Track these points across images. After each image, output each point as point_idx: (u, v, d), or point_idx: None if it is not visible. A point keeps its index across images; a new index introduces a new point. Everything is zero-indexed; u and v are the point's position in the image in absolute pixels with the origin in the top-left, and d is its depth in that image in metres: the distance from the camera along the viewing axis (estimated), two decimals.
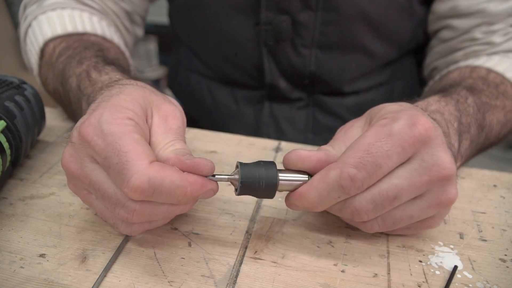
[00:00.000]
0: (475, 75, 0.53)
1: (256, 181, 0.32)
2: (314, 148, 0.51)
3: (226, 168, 0.46)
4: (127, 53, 0.58)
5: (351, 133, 0.36)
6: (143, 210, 0.30)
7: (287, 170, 0.34)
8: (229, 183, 0.36)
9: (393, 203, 0.32)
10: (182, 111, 0.37)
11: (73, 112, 0.46)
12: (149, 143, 0.34)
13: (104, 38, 0.55)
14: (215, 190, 0.32)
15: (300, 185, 0.33)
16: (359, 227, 0.35)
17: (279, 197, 0.42)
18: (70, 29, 0.53)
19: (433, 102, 0.40)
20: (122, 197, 0.30)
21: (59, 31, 0.53)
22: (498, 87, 0.51)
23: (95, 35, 0.54)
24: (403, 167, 0.31)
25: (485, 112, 0.46)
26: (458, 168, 0.42)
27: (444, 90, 0.46)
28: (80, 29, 0.54)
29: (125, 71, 0.45)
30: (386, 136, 0.31)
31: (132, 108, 0.33)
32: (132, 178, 0.28)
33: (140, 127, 0.32)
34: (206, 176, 0.31)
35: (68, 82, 0.45)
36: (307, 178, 0.33)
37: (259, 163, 0.33)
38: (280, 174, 0.33)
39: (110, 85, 0.37)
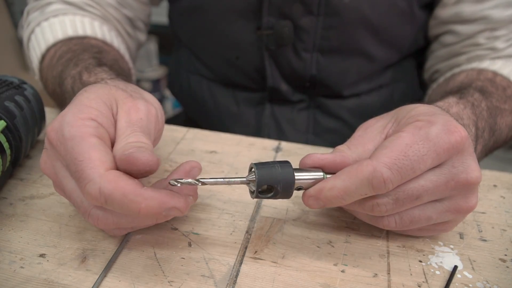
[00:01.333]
0: (483, 77, 0.53)
1: (273, 182, 0.32)
2: (315, 148, 0.51)
3: (226, 168, 0.46)
4: (126, 56, 0.59)
5: (370, 133, 0.36)
6: (107, 218, 0.31)
7: (302, 169, 0.34)
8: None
9: (414, 202, 0.32)
10: (151, 104, 0.36)
11: None
12: (115, 139, 0.33)
13: (104, 42, 0.56)
14: (182, 209, 0.30)
15: (316, 183, 0.33)
16: (374, 223, 0.35)
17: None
18: (70, 33, 0.54)
19: (453, 104, 0.40)
20: (88, 205, 0.31)
21: (60, 36, 0.54)
22: (506, 90, 0.52)
23: (96, 39, 0.55)
24: (433, 171, 0.32)
25: (496, 116, 0.47)
26: None
27: (458, 92, 0.46)
28: (80, 32, 0.55)
29: (120, 73, 0.46)
30: (423, 140, 0.31)
31: (95, 106, 0.33)
32: (86, 186, 0.29)
33: (102, 127, 0.32)
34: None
35: (64, 84, 0.46)
36: (322, 175, 0.33)
37: (273, 164, 0.32)
38: (296, 174, 0.33)
39: (86, 86, 0.37)
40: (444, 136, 0.31)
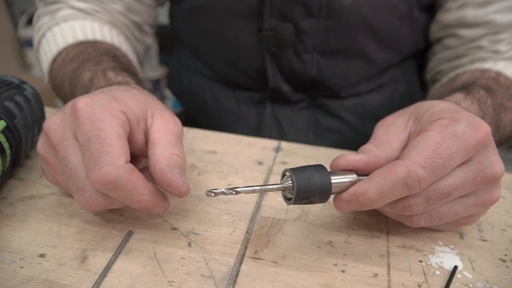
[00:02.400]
0: (487, 76, 0.54)
1: (311, 190, 0.31)
2: (315, 148, 0.51)
3: (226, 168, 0.46)
4: (134, 61, 0.60)
5: (393, 130, 0.36)
6: (102, 201, 0.33)
7: (336, 172, 0.33)
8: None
9: (444, 200, 0.32)
10: (180, 125, 0.39)
11: None
12: (148, 140, 0.36)
13: (113, 46, 0.57)
14: (167, 209, 0.34)
15: (350, 186, 0.33)
16: (403, 221, 0.35)
17: (279, 197, 0.42)
18: (80, 37, 0.56)
19: (461, 100, 0.41)
20: (88, 185, 0.32)
21: (71, 40, 0.56)
22: (509, 89, 0.52)
23: (105, 43, 0.57)
24: (460, 167, 0.32)
25: (501, 113, 0.47)
26: None
27: (464, 89, 0.46)
28: (90, 37, 0.56)
29: (138, 80, 0.47)
30: (451, 138, 0.31)
31: (130, 104, 0.35)
32: (104, 168, 0.30)
33: (128, 125, 0.34)
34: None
35: (81, 76, 0.47)
36: (356, 178, 0.33)
37: (307, 168, 0.32)
38: (332, 178, 0.32)
39: (123, 83, 0.39)
40: (471, 133, 0.31)
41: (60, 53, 0.56)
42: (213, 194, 0.32)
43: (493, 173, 0.32)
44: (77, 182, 0.32)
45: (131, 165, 0.32)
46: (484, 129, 0.32)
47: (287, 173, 0.32)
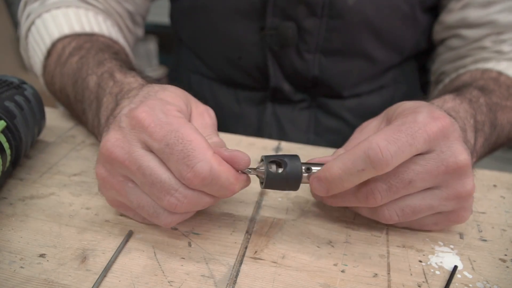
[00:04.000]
0: (486, 76, 0.53)
1: (281, 173, 0.33)
2: (315, 148, 0.51)
3: None
4: (131, 55, 0.58)
5: (366, 134, 0.37)
6: (194, 197, 0.31)
7: (311, 163, 0.35)
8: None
9: (408, 188, 0.32)
10: (214, 113, 0.39)
11: (83, 110, 0.46)
12: None
13: (111, 40, 0.55)
14: (247, 186, 0.34)
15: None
16: (376, 217, 0.35)
17: (279, 197, 0.42)
18: (77, 29, 0.53)
19: (449, 100, 0.41)
20: (175, 183, 0.31)
21: (66, 30, 0.53)
22: (510, 88, 0.52)
23: (103, 36, 0.54)
24: (422, 156, 0.32)
25: (496, 112, 0.47)
26: (473, 164, 0.42)
27: (457, 90, 0.46)
28: (87, 29, 0.54)
29: (144, 76, 0.46)
30: (412, 122, 0.32)
31: (178, 104, 0.35)
32: (198, 165, 0.30)
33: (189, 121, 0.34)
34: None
35: (85, 81, 0.45)
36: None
37: (283, 156, 0.34)
38: (304, 166, 0.34)
39: (148, 84, 0.38)
40: (431, 121, 0.32)
41: (55, 45, 0.53)
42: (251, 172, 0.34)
43: (456, 162, 0.32)
44: (163, 184, 0.31)
45: (218, 156, 0.31)
46: (444, 119, 0.32)
47: (263, 159, 0.34)
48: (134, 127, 0.32)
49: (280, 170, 0.33)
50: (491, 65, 0.55)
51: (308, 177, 0.34)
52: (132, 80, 0.41)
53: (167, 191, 0.31)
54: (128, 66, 0.47)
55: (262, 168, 0.33)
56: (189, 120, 0.36)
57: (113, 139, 0.32)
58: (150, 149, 0.32)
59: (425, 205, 0.34)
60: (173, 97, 0.35)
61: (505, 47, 0.56)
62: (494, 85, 0.51)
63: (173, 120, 0.31)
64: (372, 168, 0.30)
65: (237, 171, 0.33)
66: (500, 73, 0.54)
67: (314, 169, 0.34)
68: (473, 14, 0.56)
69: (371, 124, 0.38)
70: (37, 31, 0.55)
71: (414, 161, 0.32)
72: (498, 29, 0.55)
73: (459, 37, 0.58)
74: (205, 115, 0.37)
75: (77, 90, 0.47)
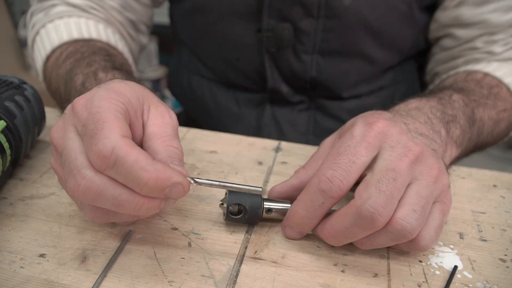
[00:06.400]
0: (470, 78, 0.54)
1: (240, 217, 0.36)
2: (315, 148, 0.51)
3: (226, 168, 0.46)
4: (130, 60, 0.59)
5: (322, 150, 0.39)
6: (95, 181, 0.28)
7: (272, 200, 0.38)
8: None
9: (395, 184, 0.31)
10: (175, 116, 0.37)
11: None
12: (144, 134, 0.34)
13: (109, 45, 0.56)
14: (185, 187, 0.30)
15: (284, 211, 0.37)
16: (405, 238, 0.32)
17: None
18: (76, 35, 0.55)
19: (413, 101, 0.42)
20: (80, 163, 0.29)
21: (66, 37, 0.55)
22: (492, 88, 0.52)
23: (101, 42, 0.56)
24: (379, 157, 0.33)
25: (474, 108, 0.47)
26: (457, 156, 0.43)
27: (431, 93, 0.47)
28: (86, 35, 0.56)
29: (131, 76, 0.46)
30: (350, 138, 0.33)
31: (128, 95, 0.33)
32: (100, 142, 0.28)
33: (128, 115, 0.32)
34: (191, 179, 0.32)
35: (73, 80, 0.46)
36: (290, 205, 0.37)
37: (245, 198, 0.36)
38: (265, 203, 0.37)
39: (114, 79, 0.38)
40: (367, 129, 0.33)
41: (54, 51, 0.55)
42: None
43: (414, 153, 0.33)
44: (69, 164, 0.29)
45: (130, 140, 0.29)
46: (378, 121, 0.34)
47: (226, 193, 0.36)
48: (71, 112, 0.32)
49: (240, 216, 0.36)
50: (480, 66, 0.55)
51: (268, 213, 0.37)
52: (110, 78, 0.42)
53: (70, 171, 0.29)
54: (118, 67, 0.47)
55: (224, 206, 0.36)
56: (146, 118, 0.34)
57: (55, 126, 0.33)
58: (80, 134, 0.31)
59: (425, 194, 0.32)
60: (126, 89, 0.33)
61: (496, 48, 0.56)
62: (474, 86, 0.51)
63: (105, 104, 0.30)
64: (330, 198, 0.32)
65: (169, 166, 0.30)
66: (486, 75, 0.54)
67: (276, 208, 0.37)
68: (467, 12, 0.55)
69: (327, 140, 0.41)
70: (41, 40, 0.57)
71: (378, 160, 0.33)
72: (490, 29, 0.55)
73: (452, 37, 0.58)
74: (165, 115, 0.35)
75: (66, 89, 0.48)
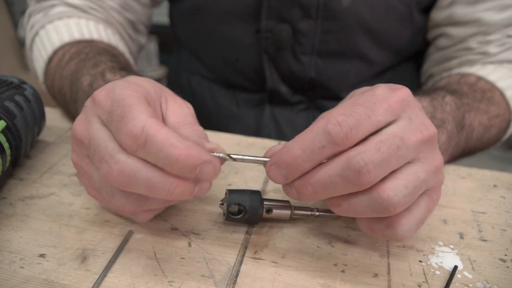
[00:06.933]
0: (463, 81, 0.53)
1: (240, 217, 0.36)
2: None
3: (226, 168, 0.46)
4: (131, 61, 0.59)
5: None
6: (127, 165, 0.28)
7: (272, 199, 0.37)
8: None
9: (397, 153, 0.28)
10: (192, 107, 0.38)
11: (76, 110, 0.47)
12: (166, 124, 0.34)
13: (110, 45, 0.56)
14: (216, 167, 0.29)
15: (284, 212, 0.37)
16: (386, 211, 0.29)
17: (279, 197, 0.42)
18: (77, 36, 0.55)
19: None
20: (112, 149, 0.29)
21: (67, 38, 0.55)
22: (485, 93, 0.51)
23: (102, 42, 0.56)
24: (394, 124, 0.30)
25: (465, 112, 0.46)
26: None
27: (424, 92, 0.46)
28: (87, 36, 0.55)
29: (137, 75, 0.46)
30: (371, 95, 0.30)
31: (147, 87, 0.33)
32: (129, 124, 0.28)
33: (148, 102, 0.32)
34: None
35: (79, 81, 0.46)
36: (289, 205, 0.37)
37: (245, 191, 0.36)
38: (265, 203, 0.37)
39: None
40: (391, 92, 0.30)
41: (56, 53, 0.55)
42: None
43: (427, 129, 0.30)
44: (99, 152, 0.29)
45: (158, 119, 0.29)
46: (403, 89, 0.31)
47: (226, 193, 0.36)
48: (93, 104, 0.32)
49: (240, 216, 0.36)
50: (474, 69, 0.55)
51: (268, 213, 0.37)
52: (118, 78, 0.42)
53: (102, 158, 0.29)
54: (124, 67, 0.48)
55: (224, 206, 0.36)
56: (165, 109, 0.35)
57: (77, 120, 0.33)
58: (105, 124, 0.31)
59: (422, 177, 0.29)
60: (144, 81, 0.34)
61: (491, 49, 0.55)
62: (468, 90, 0.50)
63: (127, 92, 0.31)
64: (333, 143, 0.28)
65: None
66: (479, 78, 0.53)
67: (276, 211, 0.37)
68: (460, 11, 0.55)
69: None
70: (41, 41, 0.57)
71: (390, 126, 0.29)
72: (484, 28, 0.55)
73: (446, 36, 0.58)
74: (183, 106, 0.36)
75: (72, 90, 0.48)
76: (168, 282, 0.32)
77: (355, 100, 0.30)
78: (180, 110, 0.35)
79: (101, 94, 0.32)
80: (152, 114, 0.29)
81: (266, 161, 0.32)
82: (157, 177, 0.29)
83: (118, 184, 0.29)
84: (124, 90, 0.31)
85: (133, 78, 0.34)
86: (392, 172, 0.29)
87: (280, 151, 0.30)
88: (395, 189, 0.28)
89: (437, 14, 0.58)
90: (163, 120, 0.35)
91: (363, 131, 0.29)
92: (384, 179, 0.29)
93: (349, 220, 0.39)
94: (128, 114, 0.29)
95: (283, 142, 0.51)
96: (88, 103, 0.33)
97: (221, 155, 0.32)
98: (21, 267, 0.33)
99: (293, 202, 0.39)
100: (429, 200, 0.31)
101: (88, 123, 0.32)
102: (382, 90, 0.30)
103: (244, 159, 0.33)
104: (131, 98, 0.30)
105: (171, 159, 0.28)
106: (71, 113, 0.52)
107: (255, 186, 0.43)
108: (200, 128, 0.34)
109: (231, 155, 0.33)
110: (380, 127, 0.29)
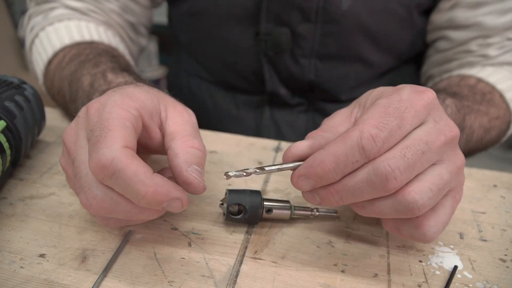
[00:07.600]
0: (463, 83, 0.53)
1: (240, 218, 0.36)
2: None
3: (225, 168, 0.46)
4: (131, 62, 0.59)
5: (339, 117, 0.36)
6: (104, 197, 0.29)
7: (272, 199, 0.38)
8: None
9: (422, 158, 0.29)
10: (194, 114, 0.38)
11: (75, 109, 0.46)
12: (165, 134, 0.34)
13: (110, 47, 0.56)
14: (184, 202, 0.30)
15: (284, 212, 0.37)
16: (410, 210, 0.29)
17: (279, 197, 0.42)
18: (77, 38, 0.55)
19: None
20: (91, 180, 0.29)
21: (67, 41, 0.55)
22: (485, 95, 0.51)
23: (103, 44, 0.56)
24: (419, 128, 0.30)
25: (466, 114, 0.46)
26: None
27: None
28: (87, 38, 0.55)
29: (140, 79, 0.46)
30: (398, 101, 0.30)
31: (143, 99, 0.33)
32: (101, 151, 0.28)
33: (140, 121, 0.32)
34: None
35: (80, 80, 0.46)
36: (289, 205, 0.37)
37: (245, 191, 0.37)
38: (265, 203, 0.37)
39: (128, 82, 0.38)
40: (417, 96, 0.30)
41: (56, 54, 0.55)
42: (225, 177, 0.33)
43: (451, 130, 0.31)
44: (80, 179, 0.30)
45: (131, 151, 0.29)
46: (429, 92, 0.31)
47: (226, 193, 0.37)
48: (85, 115, 0.32)
49: (240, 216, 0.36)
50: (474, 71, 0.55)
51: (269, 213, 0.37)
52: (121, 80, 0.42)
53: (81, 188, 0.30)
54: (125, 68, 0.48)
55: (224, 206, 0.37)
56: (165, 118, 0.35)
57: (68, 127, 0.33)
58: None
59: (445, 179, 0.30)
60: (141, 93, 0.34)
61: (491, 51, 0.55)
62: (468, 92, 0.50)
63: (116, 111, 0.30)
64: (366, 158, 0.29)
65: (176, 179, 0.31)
66: (479, 80, 0.53)
67: (276, 211, 0.37)
68: (461, 14, 0.55)
69: (342, 111, 0.37)
70: (41, 43, 0.57)
71: (415, 132, 0.30)
72: (484, 32, 0.55)
73: (446, 39, 0.58)
74: (184, 113, 0.36)
75: (72, 90, 0.48)
76: (168, 282, 0.32)
77: (385, 108, 0.30)
78: (180, 119, 0.35)
79: (93, 107, 0.32)
80: (129, 143, 0.29)
81: (296, 166, 0.32)
82: (136, 208, 0.30)
83: (98, 214, 0.31)
84: (114, 108, 0.31)
85: (130, 90, 0.34)
86: (417, 175, 0.29)
87: (311, 163, 0.30)
88: (420, 191, 0.29)
89: (438, 17, 0.58)
90: (163, 129, 0.35)
91: (394, 142, 0.29)
92: (409, 181, 0.29)
93: (349, 220, 0.39)
94: (103, 140, 0.28)
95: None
96: (81, 113, 0.33)
97: (235, 172, 0.32)
98: (21, 267, 0.33)
99: (293, 202, 0.39)
100: (453, 200, 0.32)
101: (77, 136, 0.32)
102: (408, 94, 0.31)
103: (272, 170, 0.33)
104: (115, 120, 0.30)
105: (138, 195, 0.28)
106: (71, 113, 0.52)
107: (255, 186, 0.43)
108: (197, 144, 0.33)
109: (228, 173, 0.33)
110: (407, 133, 0.30)
